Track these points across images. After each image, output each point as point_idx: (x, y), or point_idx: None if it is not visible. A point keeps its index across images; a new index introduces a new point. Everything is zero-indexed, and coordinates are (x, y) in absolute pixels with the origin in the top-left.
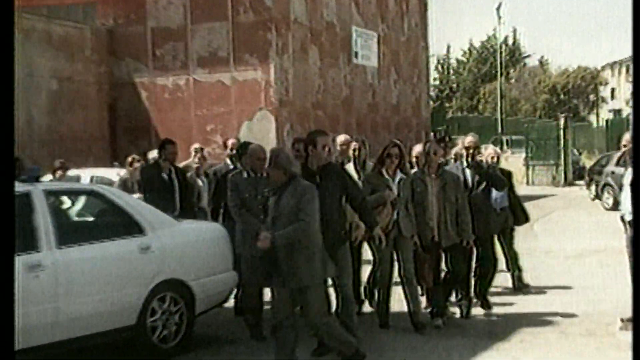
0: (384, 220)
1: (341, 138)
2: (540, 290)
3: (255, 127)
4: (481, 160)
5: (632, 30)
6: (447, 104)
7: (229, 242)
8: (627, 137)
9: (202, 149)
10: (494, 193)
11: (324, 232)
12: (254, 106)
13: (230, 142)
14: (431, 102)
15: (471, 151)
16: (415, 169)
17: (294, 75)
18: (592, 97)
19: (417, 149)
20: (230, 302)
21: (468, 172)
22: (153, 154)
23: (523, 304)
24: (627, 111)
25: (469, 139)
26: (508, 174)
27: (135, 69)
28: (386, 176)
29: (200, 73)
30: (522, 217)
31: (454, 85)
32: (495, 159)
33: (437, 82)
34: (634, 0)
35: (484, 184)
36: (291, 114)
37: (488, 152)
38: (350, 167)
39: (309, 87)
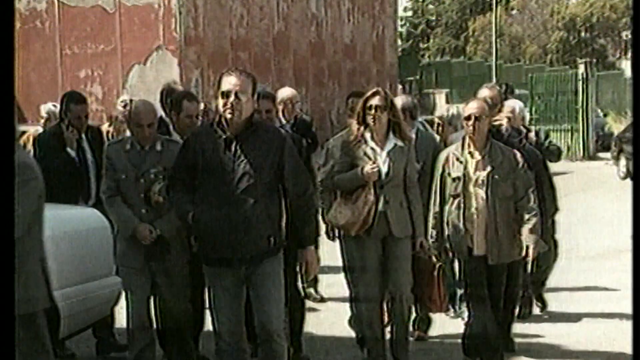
0: (360, 211)
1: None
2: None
3: (149, 74)
4: (500, 125)
5: (632, 30)
6: (422, 45)
7: (111, 234)
8: None
9: (131, 102)
10: None
11: (233, 240)
12: (148, 44)
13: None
14: (399, 42)
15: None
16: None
17: (206, 0)
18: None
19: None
20: None
21: (444, 152)
22: (48, 107)
23: (518, 330)
24: None
25: (485, 92)
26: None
27: None
28: (370, 143)
29: None
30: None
31: (432, 18)
32: (517, 122)
33: (409, 14)
34: (634, 1)
35: None
36: (201, 56)
37: (506, 109)
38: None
39: (227, 18)
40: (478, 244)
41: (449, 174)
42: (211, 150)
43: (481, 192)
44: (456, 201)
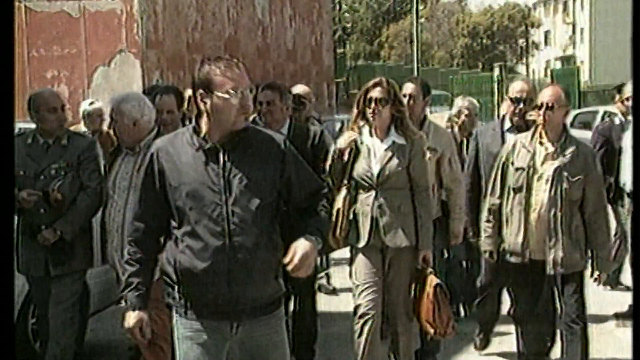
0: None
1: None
2: None
3: (113, 75)
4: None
5: (632, 30)
6: (338, 50)
7: None
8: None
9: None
10: None
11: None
12: (111, 47)
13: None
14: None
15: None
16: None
17: (164, 6)
18: (521, 42)
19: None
20: None
21: (511, 138)
22: (85, 107)
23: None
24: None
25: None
26: None
27: None
28: (366, 139)
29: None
30: None
31: (348, 26)
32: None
33: None
34: (634, 1)
35: None
36: (161, 59)
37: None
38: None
39: (183, 24)
40: (535, 248)
41: (512, 163)
42: (191, 165)
43: (545, 188)
44: (517, 196)
